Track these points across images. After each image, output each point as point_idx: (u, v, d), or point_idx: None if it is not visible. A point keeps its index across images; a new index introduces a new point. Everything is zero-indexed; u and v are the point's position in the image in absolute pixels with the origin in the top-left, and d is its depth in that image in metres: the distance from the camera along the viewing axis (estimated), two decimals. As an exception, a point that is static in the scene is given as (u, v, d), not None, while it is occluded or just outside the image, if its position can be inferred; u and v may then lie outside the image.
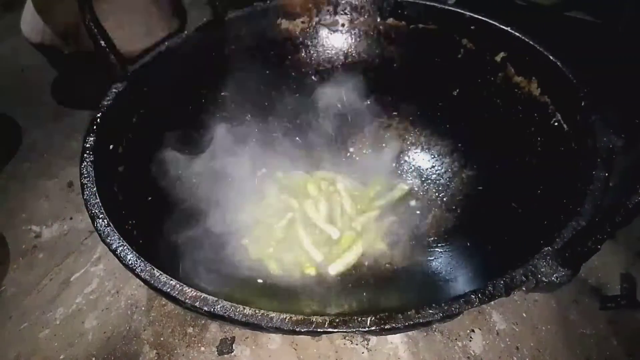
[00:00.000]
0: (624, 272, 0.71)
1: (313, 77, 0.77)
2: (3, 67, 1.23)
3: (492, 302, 0.63)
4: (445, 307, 0.37)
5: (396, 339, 0.57)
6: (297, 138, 0.78)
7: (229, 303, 0.38)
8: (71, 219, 0.82)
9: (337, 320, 0.37)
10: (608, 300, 0.68)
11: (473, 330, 0.60)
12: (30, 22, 1.01)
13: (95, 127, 0.54)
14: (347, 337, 0.58)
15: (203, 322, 0.60)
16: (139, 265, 0.41)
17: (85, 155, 0.51)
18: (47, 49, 1.01)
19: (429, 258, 0.61)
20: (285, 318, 0.37)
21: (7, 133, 1.03)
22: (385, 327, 0.37)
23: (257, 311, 0.37)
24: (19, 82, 1.18)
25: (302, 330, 0.37)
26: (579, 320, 0.65)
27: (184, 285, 0.39)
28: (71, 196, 0.87)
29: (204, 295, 0.39)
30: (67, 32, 0.97)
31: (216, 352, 0.57)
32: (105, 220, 0.45)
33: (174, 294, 0.39)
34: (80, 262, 0.71)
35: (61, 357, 0.58)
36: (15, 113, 1.07)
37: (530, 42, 0.61)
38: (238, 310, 0.38)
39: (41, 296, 0.67)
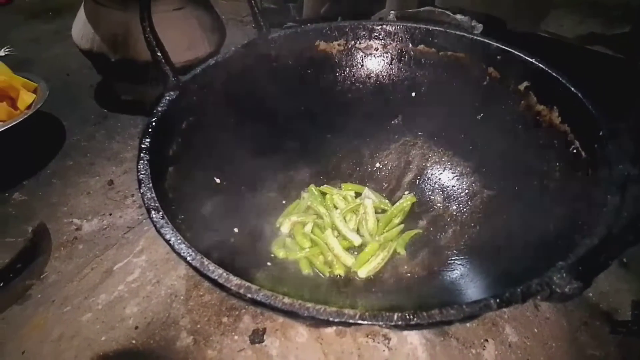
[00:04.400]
0: (636, 300, 0.73)
1: (347, 95, 0.82)
2: (51, 69, 1.31)
3: (506, 316, 0.67)
4: (466, 309, 0.41)
5: (415, 340, 0.61)
6: (328, 151, 0.83)
7: (270, 292, 0.42)
8: (110, 215, 0.87)
9: (366, 313, 0.41)
10: (618, 325, 0.70)
11: (487, 340, 0.63)
12: (80, 29, 1.09)
13: (151, 129, 0.59)
14: (369, 336, 0.61)
15: (237, 313, 0.64)
16: (190, 255, 0.46)
17: (142, 154, 0.56)
18: (95, 56, 1.08)
19: (448, 270, 0.65)
20: (320, 308, 0.41)
21: (52, 132, 1.10)
22: (410, 323, 0.40)
23: (295, 300, 0.42)
24: (65, 85, 1.25)
25: (335, 320, 0.41)
26: (589, 342, 0.68)
27: (230, 274, 0.44)
28: (111, 194, 0.93)
29: (247, 283, 0.43)
30: (115, 40, 1.04)
31: (248, 341, 0.61)
32: (160, 213, 0.49)
33: (221, 281, 0.43)
34: (122, 254, 0.76)
35: (102, 338, 0.63)
36: (60, 114, 1.14)
37: (553, 74, 0.65)
38: (278, 298, 0.42)
39: (83, 283, 0.72)
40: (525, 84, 0.69)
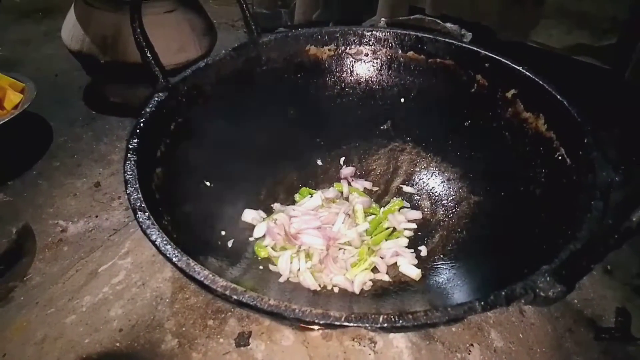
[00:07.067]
0: (620, 306, 0.74)
1: (336, 100, 0.82)
2: (39, 70, 1.30)
3: (492, 321, 0.67)
4: (451, 311, 0.41)
5: (401, 344, 0.61)
6: (317, 155, 0.84)
7: (256, 293, 0.42)
8: (96, 217, 0.87)
9: (352, 315, 0.41)
10: (602, 331, 0.71)
11: (472, 345, 0.64)
12: (70, 30, 1.08)
13: (138, 130, 0.58)
14: (355, 339, 0.61)
15: (222, 316, 0.64)
16: (176, 256, 0.45)
17: (129, 155, 0.55)
18: (84, 57, 1.08)
19: (434, 274, 0.65)
20: (306, 310, 0.41)
21: (39, 132, 1.09)
22: (396, 325, 0.41)
23: (280, 302, 0.41)
24: (53, 86, 1.24)
25: (321, 322, 0.41)
26: (573, 348, 0.69)
27: (216, 276, 0.44)
28: (97, 196, 0.92)
29: (233, 285, 0.43)
30: (105, 42, 1.04)
31: (234, 344, 0.60)
32: (146, 213, 0.49)
33: (207, 283, 0.43)
34: (108, 256, 0.75)
35: (86, 341, 0.62)
36: (48, 114, 1.13)
37: (540, 82, 0.66)
38: (264, 300, 0.42)
39: (68, 285, 0.71)
40: (512, 91, 0.70)
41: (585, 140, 0.57)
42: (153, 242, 0.47)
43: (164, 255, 0.46)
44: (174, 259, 0.45)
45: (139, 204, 0.50)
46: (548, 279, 0.43)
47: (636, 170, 0.59)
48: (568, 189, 0.57)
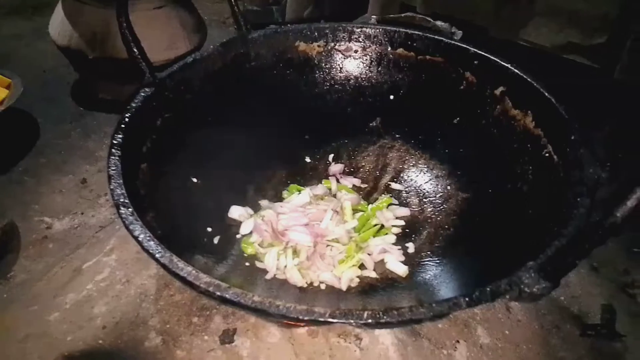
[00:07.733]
0: (606, 303, 0.74)
1: (325, 97, 0.82)
2: (27, 66, 1.28)
3: (478, 317, 0.68)
4: (436, 307, 0.41)
5: (387, 340, 0.61)
6: (306, 152, 0.84)
7: (240, 290, 0.42)
8: (82, 214, 0.86)
9: (337, 312, 0.40)
10: (588, 328, 0.71)
11: (458, 341, 0.64)
12: (58, 26, 1.07)
13: (123, 125, 0.58)
14: (341, 336, 0.61)
15: (208, 313, 0.63)
16: (159, 252, 0.45)
17: (113, 150, 0.55)
18: (72, 53, 1.06)
19: (421, 270, 0.65)
20: (291, 307, 0.41)
21: (25, 129, 1.07)
22: (380, 321, 0.40)
23: (265, 299, 0.41)
24: (41, 82, 1.23)
25: (306, 318, 0.40)
26: (560, 345, 0.69)
27: (199, 272, 0.43)
28: (84, 193, 0.91)
29: (217, 281, 0.42)
30: (93, 38, 1.02)
31: (218, 342, 0.60)
32: (129, 209, 0.49)
33: (190, 279, 0.43)
34: (92, 253, 0.74)
35: (69, 339, 0.61)
36: (35, 111, 1.11)
37: (528, 79, 0.66)
38: (248, 296, 0.41)
39: (52, 282, 0.70)
40: (501, 89, 0.70)
41: (572, 137, 0.57)
42: (136, 238, 0.47)
43: (147, 251, 0.45)
44: (157, 255, 0.45)
45: (122, 200, 0.50)
46: (533, 275, 0.43)
47: (622, 166, 0.59)
48: (555, 186, 0.57)
